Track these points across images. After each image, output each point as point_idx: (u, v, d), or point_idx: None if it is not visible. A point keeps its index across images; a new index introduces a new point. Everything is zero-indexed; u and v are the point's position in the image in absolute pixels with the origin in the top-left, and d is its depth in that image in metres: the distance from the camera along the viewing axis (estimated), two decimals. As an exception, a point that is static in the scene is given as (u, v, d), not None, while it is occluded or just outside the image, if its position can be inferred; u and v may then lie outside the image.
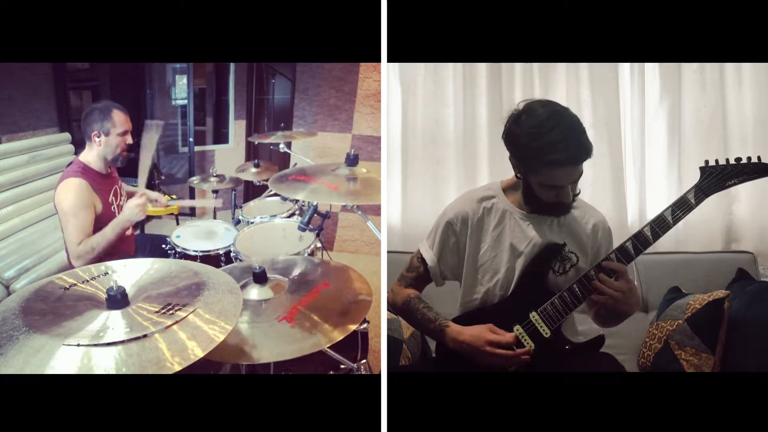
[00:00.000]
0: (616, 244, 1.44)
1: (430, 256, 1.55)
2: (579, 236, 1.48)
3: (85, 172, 2.08)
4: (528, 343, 1.40)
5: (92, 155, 2.13)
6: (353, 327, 1.32)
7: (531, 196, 1.43)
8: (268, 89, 4.63)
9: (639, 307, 1.31)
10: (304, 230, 1.70)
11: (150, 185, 2.87)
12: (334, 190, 1.53)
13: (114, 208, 2.18)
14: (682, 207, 1.35)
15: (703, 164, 1.36)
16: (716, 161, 1.35)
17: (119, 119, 2.10)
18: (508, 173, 1.50)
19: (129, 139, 2.16)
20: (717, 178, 1.34)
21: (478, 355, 1.37)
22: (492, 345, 1.35)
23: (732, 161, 1.34)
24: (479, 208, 1.50)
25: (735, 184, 1.34)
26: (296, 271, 1.60)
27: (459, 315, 1.53)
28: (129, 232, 2.30)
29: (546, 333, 1.41)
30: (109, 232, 2.03)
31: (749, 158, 1.33)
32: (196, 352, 0.94)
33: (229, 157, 4.45)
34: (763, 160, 1.32)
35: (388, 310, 1.63)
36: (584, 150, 1.28)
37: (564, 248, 1.46)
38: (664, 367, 1.92)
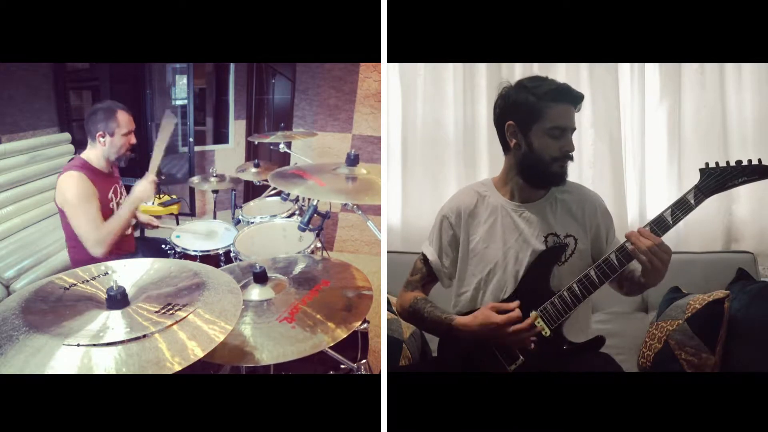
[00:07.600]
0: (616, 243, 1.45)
1: (430, 251, 1.59)
2: (575, 218, 1.50)
3: (85, 167, 2.09)
4: (544, 330, 1.40)
5: (94, 154, 2.13)
6: (356, 324, 1.32)
7: (530, 166, 1.45)
8: (268, 89, 4.62)
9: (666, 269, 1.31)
10: (304, 230, 1.70)
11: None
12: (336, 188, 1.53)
13: (113, 206, 2.18)
14: (681, 207, 1.35)
15: (702, 165, 1.36)
16: (716, 163, 1.35)
17: (123, 119, 2.11)
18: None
19: (132, 139, 2.17)
20: (716, 179, 1.34)
21: (493, 337, 1.37)
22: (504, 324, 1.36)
23: (732, 163, 1.34)
24: (472, 200, 1.54)
25: (734, 185, 1.34)
26: (296, 270, 1.60)
27: (458, 313, 1.53)
28: (129, 231, 2.30)
29: (546, 332, 1.41)
30: (123, 211, 2.09)
31: (749, 160, 1.33)
32: (196, 352, 0.94)
33: (229, 157, 4.45)
34: (763, 162, 1.32)
35: (397, 315, 1.63)
36: (580, 94, 1.43)
37: (566, 248, 1.47)
38: (664, 367, 1.92)
